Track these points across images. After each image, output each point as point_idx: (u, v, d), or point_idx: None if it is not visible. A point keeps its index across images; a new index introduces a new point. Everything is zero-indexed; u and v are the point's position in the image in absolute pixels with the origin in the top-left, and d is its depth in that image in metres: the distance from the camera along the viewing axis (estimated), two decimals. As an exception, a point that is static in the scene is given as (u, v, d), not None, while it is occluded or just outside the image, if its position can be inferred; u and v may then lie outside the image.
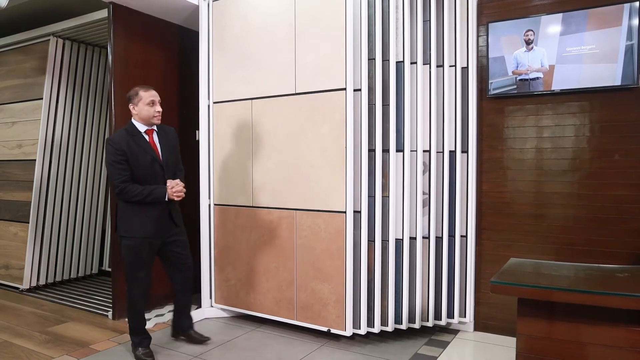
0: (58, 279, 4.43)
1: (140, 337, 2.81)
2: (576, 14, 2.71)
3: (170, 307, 3.77)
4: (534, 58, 2.85)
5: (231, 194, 3.39)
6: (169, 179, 2.75)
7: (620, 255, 2.68)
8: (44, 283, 4.30)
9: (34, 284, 4.23)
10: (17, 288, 4.22)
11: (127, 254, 2.70)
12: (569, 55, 2.75)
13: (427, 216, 3.00)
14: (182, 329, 3.00)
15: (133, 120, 2.73)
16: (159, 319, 3.46)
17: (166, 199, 2.68)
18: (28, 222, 4.19)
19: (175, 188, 2.70)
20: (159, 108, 2.71)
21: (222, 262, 3.46)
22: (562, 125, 2.83)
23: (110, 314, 3.51)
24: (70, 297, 4.02)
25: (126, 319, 3.41)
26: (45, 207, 4.27)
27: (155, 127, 2.78)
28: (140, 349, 2.77)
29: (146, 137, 2.72)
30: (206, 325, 3.32)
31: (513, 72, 2.91)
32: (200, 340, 2.97)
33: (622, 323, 1.74)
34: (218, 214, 3.46)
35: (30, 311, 3.68)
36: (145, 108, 2.67)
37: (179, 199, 2.73)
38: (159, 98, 2.74)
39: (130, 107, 2.71)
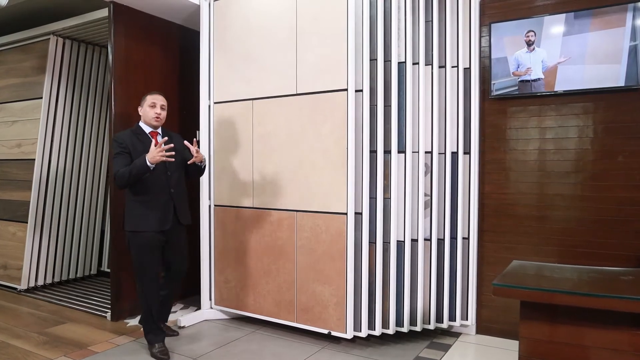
0: (57, 279, 4.40)
1: (154, 334, 2.84)
2: (579, 15, 2.70)
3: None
4: (534, 59, 2.83)
5: (231, 195, 3.37)
6: (173, 181, 2.81)
7: (624, 258, 2.66)
8: (42, 283, 4.28)
9: (32, 284, 4.20)
10: (15, 288, 4.19)
11: (134, 250, 2.77)
12: (572, 56, 2.73)
13: (429, 218, 2.98)
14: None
15: (140, 122, 2.89)
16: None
17: (148, 165, 2.56)
18: (27, 222, 4.16)
19: (162, 147, 2.56)
20: (158, 110, 2.84)
21: (222, 264, 3.43)
22: (565, 127, 2.82)
23: (108, 315, 3.49)
24: (69, 298, 3.99)
25: (125, 320, 3.43)
26: (44, 207, 4.24)
27: (160, 131, 2.90)
28: (156, 345, 2.82)
29: (150, 137, 2.82)
30: (206, 327, 3.30)
31: (513, 74, 2.90)
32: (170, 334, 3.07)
33: (625, 326, 1.71)
34: (218, 215, 3.44)
35: (28, 312, 3.65)
36: (147, 109, 2.83)
37: (166, 159, 2.58)
38: (162, 103, 2.87)
39: (139, 109, 2.89)
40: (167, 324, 3.24)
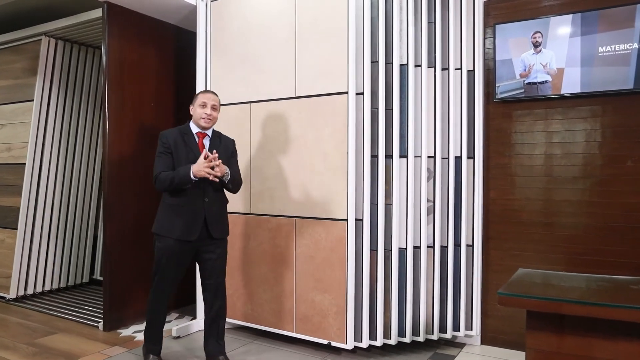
0: (47, 288, 4.31)
1: (153, 343, 2.75)
2: (587, 15, 2.65)
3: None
4: (542, 61, 2.78)
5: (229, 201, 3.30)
6: (210, 190, 2.62)
7: (633, 266, 2.60)
8: (32, 292, 4.19)
9: (21, 293, 4.11)
10: (4, 297, 4.11)
11: (155, 252, 2.66)
12: (579, 58, 2.68)
13: (432, 224, 2.92)
14: (207, 354, 2.78)
15: (190, 121, 2.73)
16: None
17: (192, 177, 2.46)
18: (16, 229, 4.08)
19: (211, 163, 2.44)
20: (208, 111, 2.66)
21: (218, 271, 3.36)
22: (572, 131, 2.77)
23: (100, 325, 3.41)
24: (60, 307, 3.91)
25: (118, 330, 3.36)
26: (35, 213, 4.16)
27: (209, 133, 2.72)
28: (150, 356, 2.73)
29: (196, 138, 2.68)
30: (201, 338, 3.21)
31: (520, 75, 2.84)
32: None
33: (636, 337, 1.68)
34: (214, 221, 3.36)
35: (17, 322, 3.57)
36: (197, 109, 2.68)
37: (210, 177, 2.46)
38: (214, 103, 2.68)
39: (190, 108, 2.74)
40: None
